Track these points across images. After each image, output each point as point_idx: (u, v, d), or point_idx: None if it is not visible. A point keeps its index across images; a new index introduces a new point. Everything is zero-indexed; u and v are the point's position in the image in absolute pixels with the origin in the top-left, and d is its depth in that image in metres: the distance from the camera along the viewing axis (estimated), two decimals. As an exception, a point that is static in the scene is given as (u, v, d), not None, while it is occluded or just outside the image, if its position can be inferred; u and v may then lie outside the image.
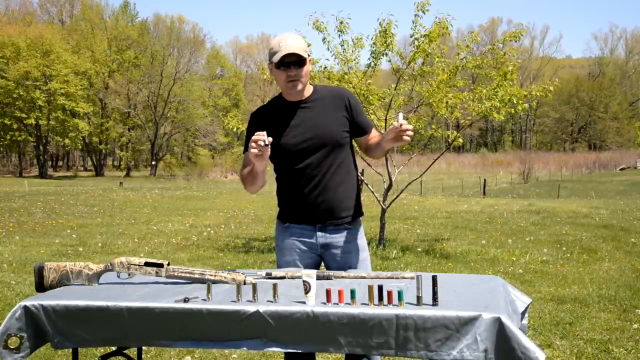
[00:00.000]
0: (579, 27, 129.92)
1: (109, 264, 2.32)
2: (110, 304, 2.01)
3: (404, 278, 2.31)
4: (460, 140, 8.67)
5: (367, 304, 1.94)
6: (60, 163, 62.83)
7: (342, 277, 2.37)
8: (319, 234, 2.59)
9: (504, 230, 10.70)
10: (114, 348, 2.57)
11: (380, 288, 1.92)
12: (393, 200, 9.15)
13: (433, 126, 9.11)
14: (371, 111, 8.10)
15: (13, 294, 5.66)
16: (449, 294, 2.04)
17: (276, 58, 2.44)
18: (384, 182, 8.59)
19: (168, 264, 2.30)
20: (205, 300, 2.02)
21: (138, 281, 2.34)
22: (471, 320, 1.81)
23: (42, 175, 45.47)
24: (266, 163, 2.42)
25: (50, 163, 55.53)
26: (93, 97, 50.70)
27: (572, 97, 69.91)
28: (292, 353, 2.53)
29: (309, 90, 2.60)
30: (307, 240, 2.60)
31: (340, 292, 1.96)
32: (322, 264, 2.69)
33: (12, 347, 2.01)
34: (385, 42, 7.64)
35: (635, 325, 4.43)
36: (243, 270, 2.46)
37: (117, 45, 53.52)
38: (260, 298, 2.02)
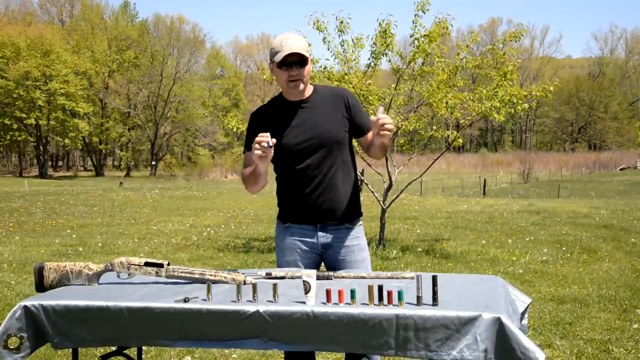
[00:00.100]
0: (579, 27, 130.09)
1: (109, 264, 2.32)
2: (110, 304, 2.01)
3: (404, 278, 2.31)
4: (460, 140, 8.68)
5: (367, 304, 1.94)
6: (60, 163, 62.84)
7: (342, 277, 2.37)
8: (320, 233, 2.59)
9: (504, 230, 10.70)
10: (114, 348, 2.57)
11: (380, 288, 1.92)
12: (393, 200, 9.15)
13: (433, 126, 9.11)
14: (371, 111, 8.09)
15: (13, 294, 5.66)
16: (449, 294, 2.04)
17: (278, 57, 2.44)
18: (384, 182, 8.59)
19: (168, 264, 2.30)
20: (205, 300, 2.02)
21: (138, 281, 2.34)
22: (471, 320, 1.81)
23: (42, 175, 45.48)
24: (268, 164, 2.42)
25: (50, 163, 55.53)
26: (93, 97, 50.71)
27: (572, 97, 69.92)
28: (292, 353, 2.53)
29: (309, 90, 2.60)
30: (308, 240, 2.60)
31: (340, 292, 1.96)
32: (322, 263, 2.69)
33: (12, 347, 2.01)
34: (385, 42, 7.64)
35: (635, 325, 4.43)
36: (243, 270, 2.46)
37: (117, 45, 53.53)
38: (260, 298, 2.02)
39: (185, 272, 2.29)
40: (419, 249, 8.35)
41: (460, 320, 1.82)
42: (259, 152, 2.30)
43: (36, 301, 2.05)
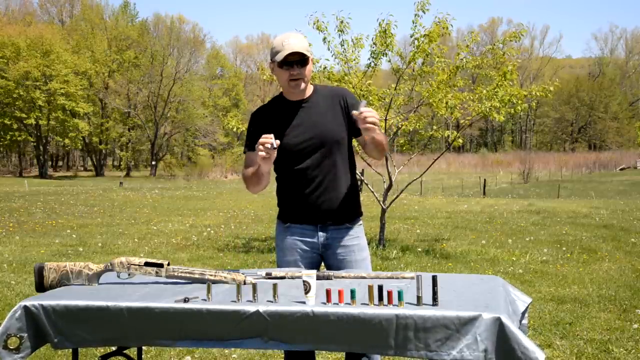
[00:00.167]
0: (579, 27, 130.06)
1: (109, 264, 2.32)
2: (110, 304, 2.01)
3: (404, 278, 2.31)
4: (460, 140, 8.68)
5: (367, 304, 1.94)
6: (60, 163, 62.83)
7: (342, 277, 2.37)
8: (320, 233, 2.59)
9: (504, 230, 10.70)
10: (114, 348, 2.57)
11: (380, 288, 1.92)
12: (393, 200, 9.15)
13: (433, 126, 9.11)
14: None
15: (13, 294, 5.66)
16: (449, 294, 2.04)
17: (279, 57, 2.44)
18: (384, 182, 8.59)
19: (168, 264, 2.30)
20: (205, 300, 2.02)
21: (138, 281, 2.34)
22: (471, 320, 1.81)
23: (42, 175, 45.47)
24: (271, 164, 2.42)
25: (50, 163, 55.52)
26: (93, 97, 50.71)
27: (572, 97, 69.91)
28: (292, 352, 2.53)
29: (309, 90, 2.60)
30: (308, 240, 2.60)
31: (340, 292, 1.96)
32: (322, 263, 2.69)
33: (12, 347, 2.01)
34: (385, 42, 7.64)
35: (635, 325, 4.43)
36: (243, 270, 2.46)
37: (117, 45, 53.53)
38: (260, 298, 2.02)
39: (185, 272, 2.29)
40: (419, 249, 8.35)
41: (460, 320, 1.82)
42: (263, 153, 2.30)
43: (36, 301, 2.05)
